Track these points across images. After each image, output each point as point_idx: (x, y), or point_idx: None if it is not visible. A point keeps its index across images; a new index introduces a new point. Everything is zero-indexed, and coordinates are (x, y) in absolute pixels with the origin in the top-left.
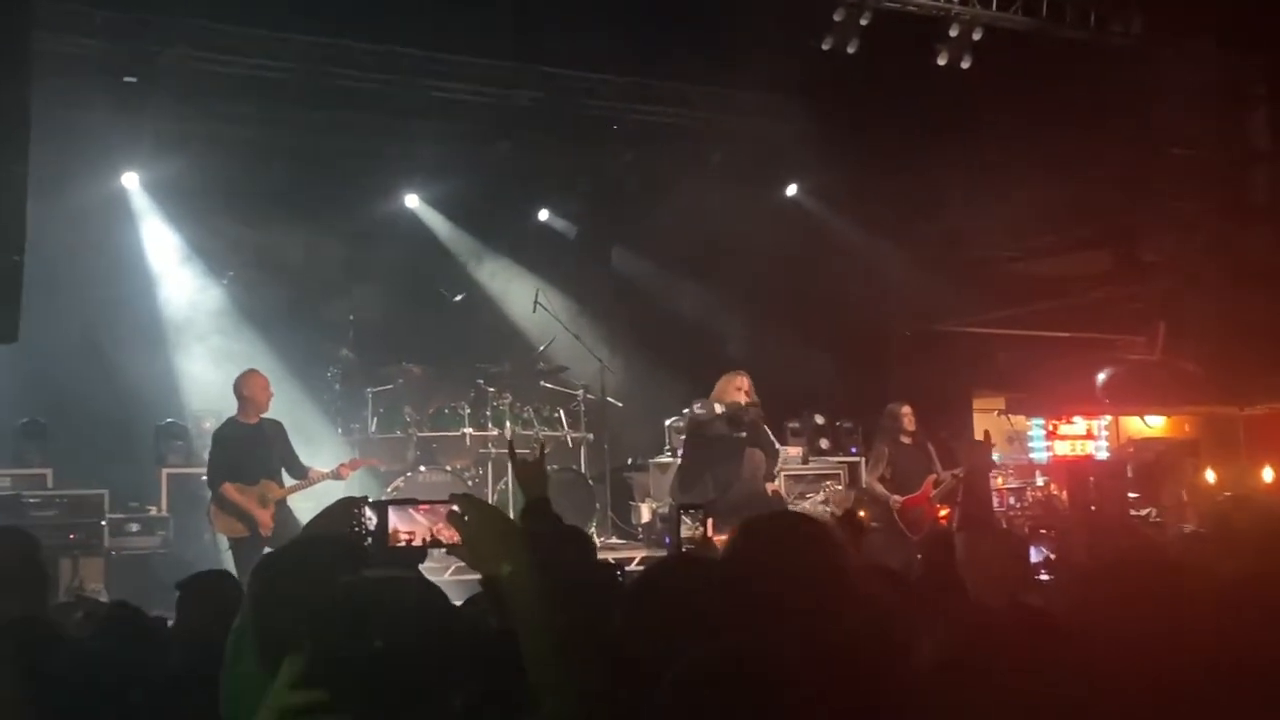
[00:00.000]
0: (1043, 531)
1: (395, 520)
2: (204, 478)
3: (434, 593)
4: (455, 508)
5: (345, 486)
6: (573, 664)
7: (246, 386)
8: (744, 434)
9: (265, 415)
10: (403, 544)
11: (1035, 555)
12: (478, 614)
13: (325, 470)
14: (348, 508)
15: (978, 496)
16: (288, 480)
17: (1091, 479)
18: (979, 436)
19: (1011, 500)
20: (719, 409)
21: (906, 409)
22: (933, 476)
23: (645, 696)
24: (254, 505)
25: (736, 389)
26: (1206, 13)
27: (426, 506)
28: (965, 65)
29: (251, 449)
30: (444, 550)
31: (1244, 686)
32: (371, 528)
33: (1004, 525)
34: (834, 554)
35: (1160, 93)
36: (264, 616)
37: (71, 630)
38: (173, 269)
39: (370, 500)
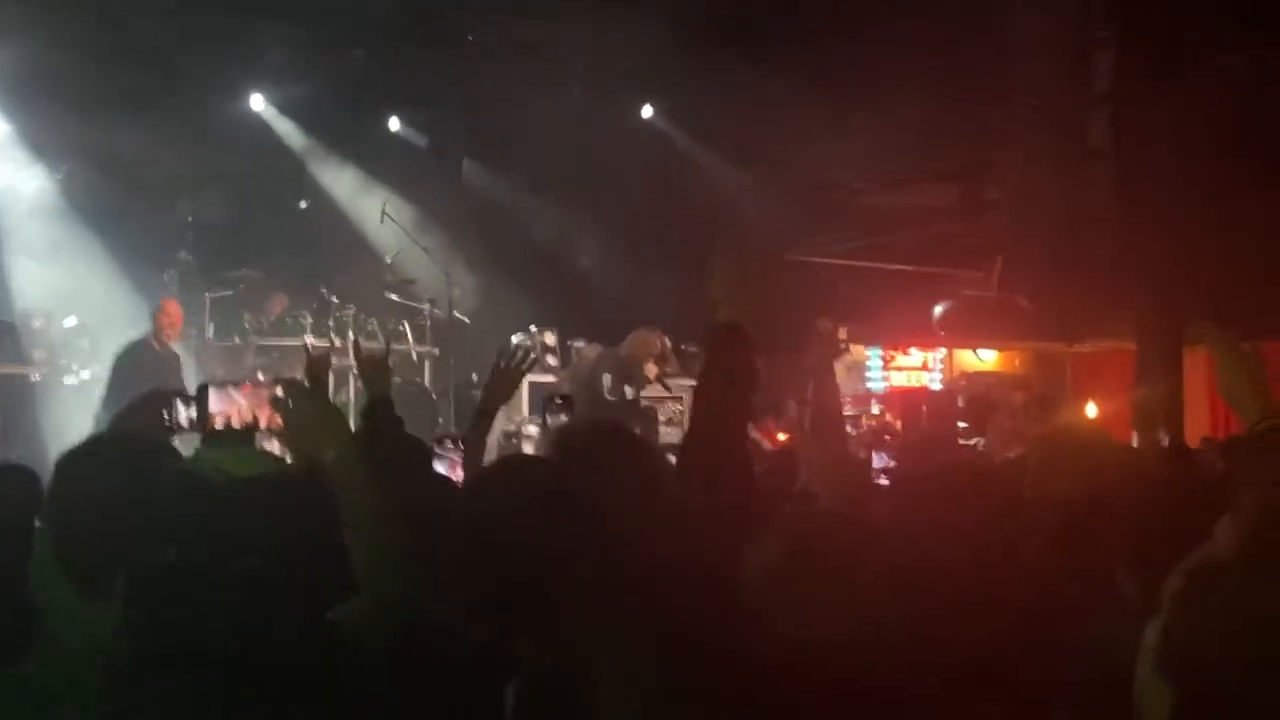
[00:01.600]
0: (886, 438)
1: (217, 403)
2: (34, 378)
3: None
4: (279, 391)
5: None
6: (395, 557)
7: (153, 315)
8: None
9: (171, 347)
10: (219, 427)
11: (878, 461)
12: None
13: None
14: (155, 402)
15: (827, 392)
16: None
17: (924, 407)
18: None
19: (848, 427)
20: (629, 393)
21: None
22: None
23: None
24: None
25: (649, 355)
26: None
27: (249, 388)
28: None
29: (149, 375)
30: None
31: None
32: (182, 422)
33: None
34: (652, 465)
35: (1009, 32)
36: (60, 518)
37: None
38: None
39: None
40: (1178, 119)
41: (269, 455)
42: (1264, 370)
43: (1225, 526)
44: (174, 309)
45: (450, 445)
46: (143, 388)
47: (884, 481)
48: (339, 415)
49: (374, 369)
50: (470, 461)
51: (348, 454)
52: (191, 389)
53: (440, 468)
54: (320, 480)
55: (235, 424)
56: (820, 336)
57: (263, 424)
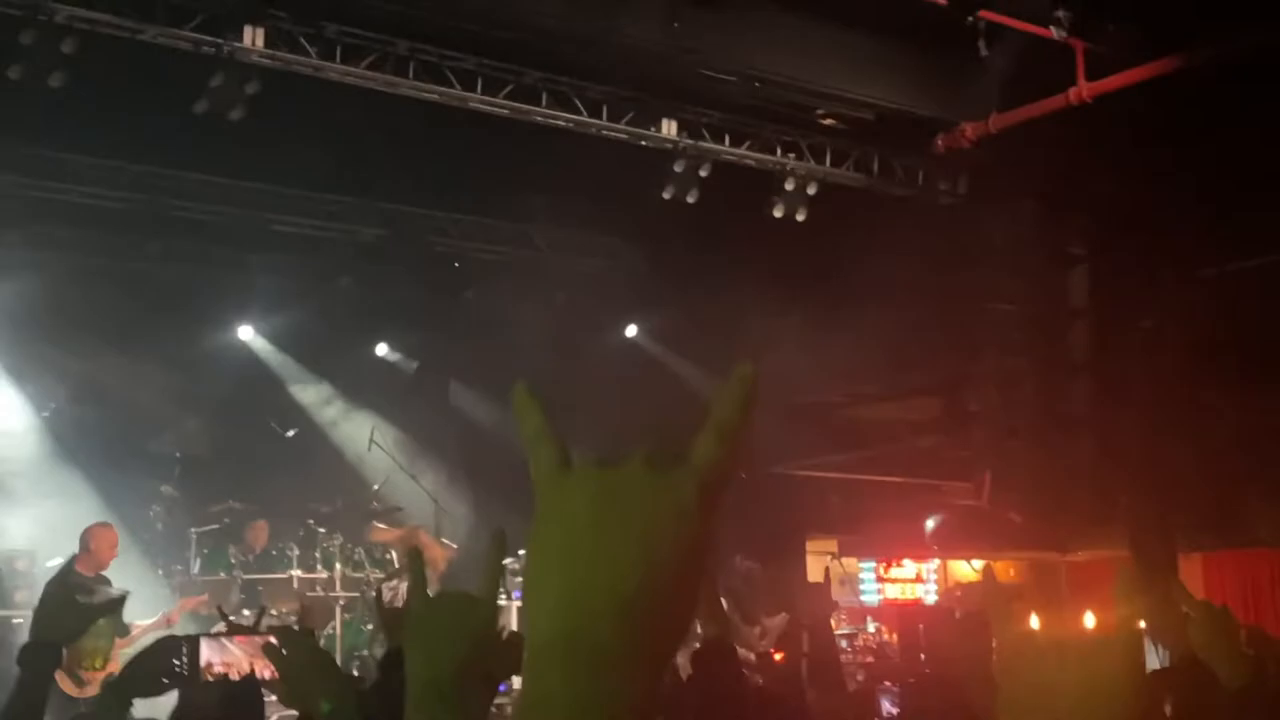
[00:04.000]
0: (887, 684)
1: (210, 654)
2: (15, 621)
3: None
4: (272, 639)
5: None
6: None
7: (93, 539)
8: None
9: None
10: (216, 678)
11: (886, 705)
12: None
13: (149, 621)
14: (169, 648)
15: (823, 646)
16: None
17: (921, 625)
18: (815, 578)
19: (844, 644)
20: None
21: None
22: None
23: None
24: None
25: None
26: (1030, 176)
27: (244, 639)
28: (800, 218)
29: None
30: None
31: None
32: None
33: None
34: None
35: (985, 250)
36: None
37: None
38: None
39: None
40: (1155, 329)
41: None
42: (1238, 628)
43: None
44: (112, 535)
45: None
46: (70, 617)
47: None
48: (333, 664)
49: (397, 620)
50: None
51: (344, 705)
52: (127, 617)
53: None
54: None
55: (232, 675)
56: (817, 589)
57: (258, 674)
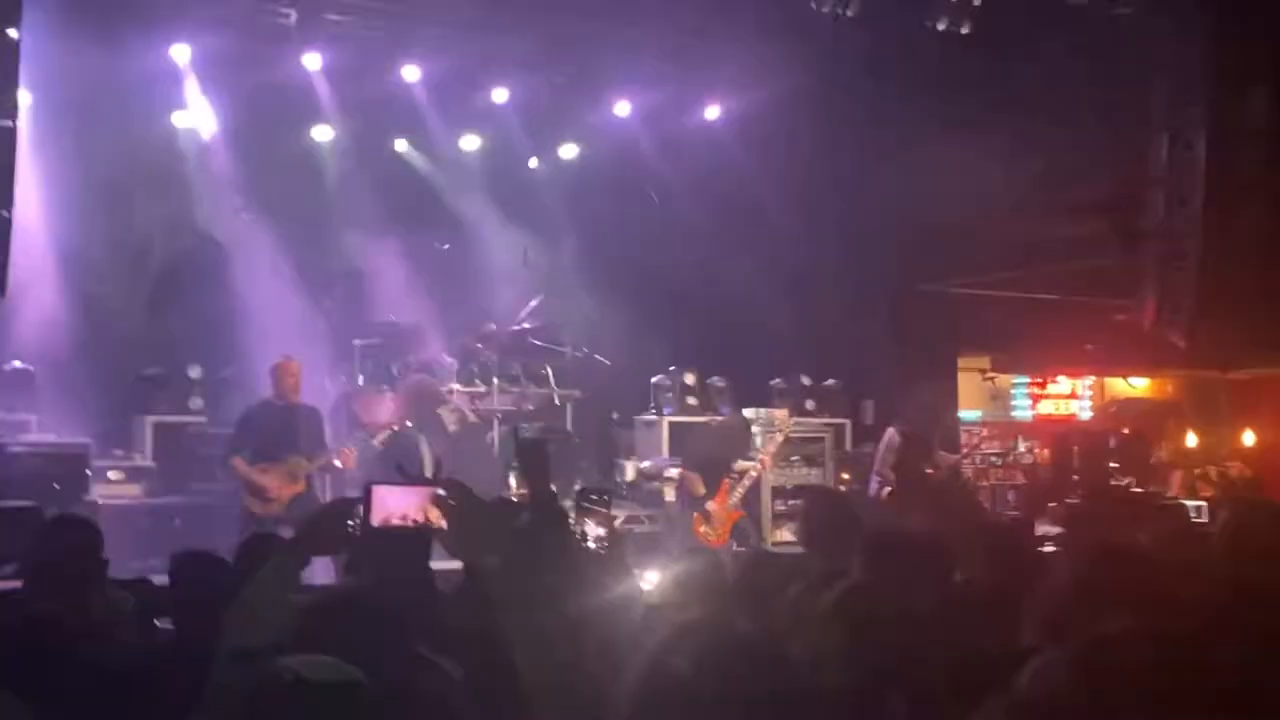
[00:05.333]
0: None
1: (385, 502)
2: (191, 427)
3: None
4: (441, 491)
5: None
6: (552, 669)
7: (273, 373)
8: None
9: (299, 400)
10: (393, 524)
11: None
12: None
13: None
14: (342, 510)
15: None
16: None
17: (1075, 448)
18: (968, 393)
19: (994, 460)
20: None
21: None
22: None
23: None
24: (269, 480)
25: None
26: None
27: (414, 487)
28: (964, 30)
29: (274, 428)
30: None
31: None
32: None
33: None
34: None
35: (1159, 66)
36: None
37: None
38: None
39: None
40: None
41: (341, 665)
42: None
43: None
44: (292, 367)
45: (595, 499)
46: (266, 441)
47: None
48: (502, 520)
49: (535, 460)
50: None
51: (511, 561)
52: (331, 439)
53: (589, 525)
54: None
55: (398, 522)
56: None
57: (430, 521)
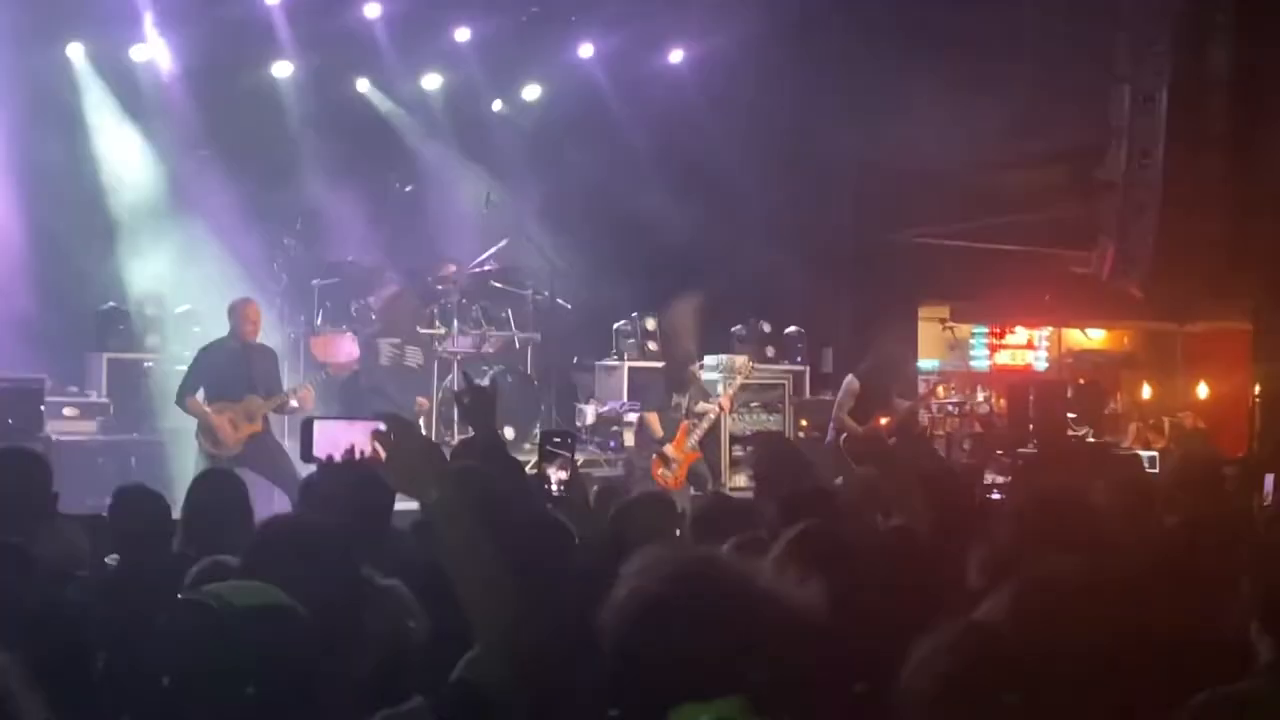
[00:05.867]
0: (999, 453)
1: (325, 437)
2: (147, 364)
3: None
4: (381, 426)
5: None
6: (501, 602)
7: (231, 313)
8: None
9: (256, 341)
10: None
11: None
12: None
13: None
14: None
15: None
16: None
17: (1031, 397)
18: (927, 343)
19: (951, 409)
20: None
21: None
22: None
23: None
24: (224, 419)
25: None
26: None
27: (355, 422)
28: None
29: (231, 367)
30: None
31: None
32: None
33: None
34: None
35: (1124, 14)
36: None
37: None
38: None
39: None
40: None
41: (269, 589)
42: None
43: None
44: (251, 309)
45: (558, 442)
46: (222, 380)
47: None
48: (441, 453)
49: (481, 408)
50: None
51: (450, 496)
52: (287, 380)
53: (551, 468)
54: (319, 613)
55: (338, 458)
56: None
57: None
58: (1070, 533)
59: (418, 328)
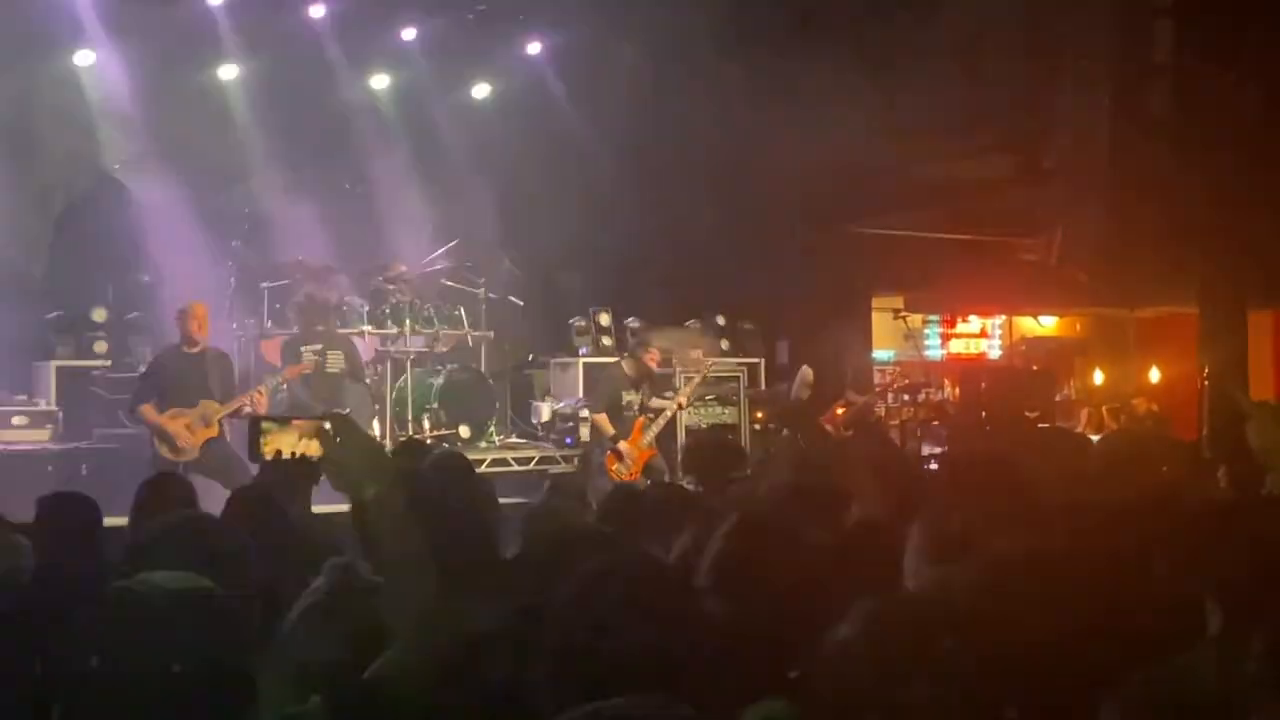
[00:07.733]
0: (935, 423)
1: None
2: (95, 372)
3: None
4: (326, 425)
5: None
6: (423, 600)
7: (178, 318)
8: None
9: (206, 346)
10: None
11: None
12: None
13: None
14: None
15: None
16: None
17: (983, 384)
18: (882, 333)
19: (905, 398)
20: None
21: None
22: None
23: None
24: (179, 425)
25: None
26: None
27: (301, 421)
28: None
29: (184, 373)
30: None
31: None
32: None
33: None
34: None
35: (1064, 4)
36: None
37: None
38: None
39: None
40: (1237, 88)
41: (193, 576)
42: None
43: None
44: (199, 308)
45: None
46: (177, 386)
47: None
48: (382, 451)
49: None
50: None
51: (388, 494)
52: (240, 383)
53: None
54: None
55: (285, 456)
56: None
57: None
58: (999, 494)
59: (337, 329)
